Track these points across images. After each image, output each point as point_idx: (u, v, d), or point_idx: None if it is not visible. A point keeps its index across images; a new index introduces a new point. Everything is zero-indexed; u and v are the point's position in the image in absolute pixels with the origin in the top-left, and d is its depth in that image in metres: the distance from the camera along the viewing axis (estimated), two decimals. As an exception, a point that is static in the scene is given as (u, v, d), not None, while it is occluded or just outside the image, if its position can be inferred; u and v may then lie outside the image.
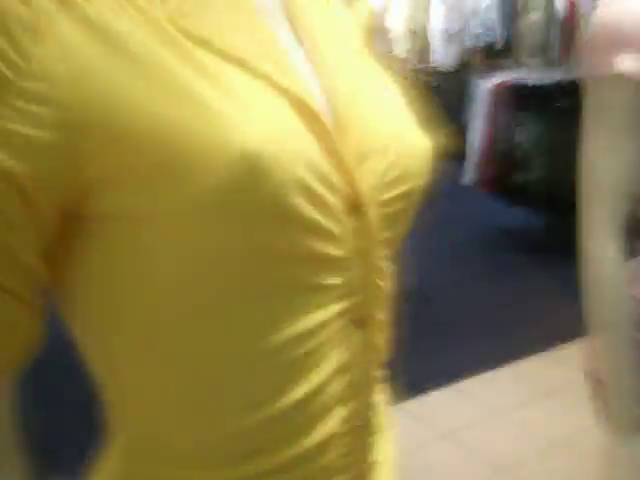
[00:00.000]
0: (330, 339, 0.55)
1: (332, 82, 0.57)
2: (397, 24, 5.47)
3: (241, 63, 0.49)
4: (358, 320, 0.56)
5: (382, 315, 0.60)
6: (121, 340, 0.54)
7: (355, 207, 0.54)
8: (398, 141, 0.58)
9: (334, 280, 0.54)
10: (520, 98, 4.36)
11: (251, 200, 0.46)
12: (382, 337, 0.62)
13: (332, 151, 0.52)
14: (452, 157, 2.91)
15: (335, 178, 0.52)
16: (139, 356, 0.54)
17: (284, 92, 0.50)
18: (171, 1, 0.49)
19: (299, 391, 0.54)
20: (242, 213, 0.47)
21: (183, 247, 0.49)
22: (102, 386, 0.57)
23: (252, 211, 0.47)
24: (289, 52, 0.55)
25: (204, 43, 0.48)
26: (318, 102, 0.53)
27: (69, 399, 2.32)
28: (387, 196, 0.56)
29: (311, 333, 0.53)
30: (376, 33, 9.70)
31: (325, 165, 0.51)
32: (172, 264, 0.50)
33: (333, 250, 0.53)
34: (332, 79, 0.57)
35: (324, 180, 0.51)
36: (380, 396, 0.64)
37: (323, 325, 0.54)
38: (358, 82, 0.59)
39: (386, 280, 0.60)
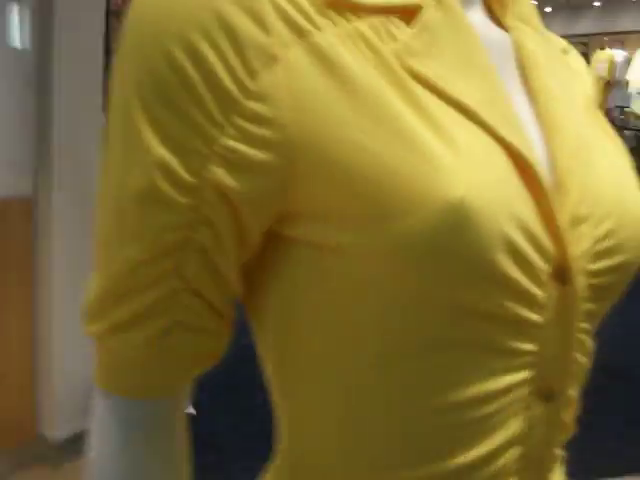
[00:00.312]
0: (510, 406, 0.51)
1: (558, 140, 0.54)
2: (637, 79, 5.17)
3: (463, 108, 0.48)
4: (545, 392, 0.52)
5: (573, 391, 0.56)
6: (293, 368, 0.54)
7: (562, 273, 0.50)
8: (619, 208, 0.54)
9: (527, 346, 0.50)
10: None
11: (451, 250, 0.44)
12: (569, 415, 0.57)
13: (546, 210, 0.49)
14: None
15: (545, 239, 0.49)
16: (307, 387, 0.53)
17: (502, 143, 0.48)
18: (400, 38, 0.48)
19: (468, 455, 0.51)
20: (440, 262, 0.45)
21: (371, 288, 0.47)
22: (274, 401, 0.57)
23: (450, 262, 0.45)
24: (515, 105, 0.53)
25: (428, 84, 0.47)
26: (537, 158, 0.50)
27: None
28: (598, 266, 0.52)
29: (492, 397, 0.50)
30: (614, 86, 9.29)
31: (536, 224, 0.48)
32: (358, 303, 0.48)
33: (531, 315, 0.50)
34: (558, 137, 0.54)
35: (533, 240, 0.48)
36: (557, 477, 0.59)
37: (506, 391, 0.51)
38: (585, 142, 0.56)
39: (583, 355, 0.55)
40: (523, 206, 0.47)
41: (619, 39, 10.15)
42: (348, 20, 0.47)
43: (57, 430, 2.76)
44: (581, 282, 0.51)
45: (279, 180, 0.46)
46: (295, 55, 0.45)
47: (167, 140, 0.46)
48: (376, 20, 0.48)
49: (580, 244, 0.51)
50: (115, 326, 0.50)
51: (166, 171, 0.46)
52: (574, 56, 0.69)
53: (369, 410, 0.51)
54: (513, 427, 0.52)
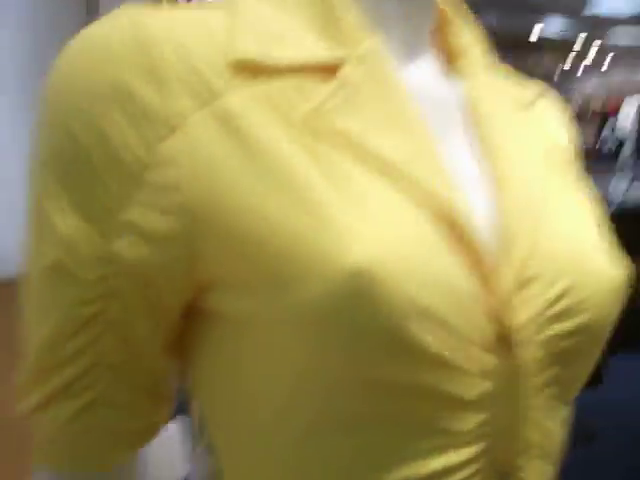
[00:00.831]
0: None
1: (506, 197, 0.50)
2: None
3: (382, 165, 0.45)
4: (500, 470, 0.48)
5: (543, 465, 0.51)
6: (223, 439, 0.51)
7: (504, 343, 0.46)
8: (576, 265, 0.50)
9: (466, 423, 0.46)
10: None
11: (354, 320, 0.41)
12: None
13: (481, 275, 0.45)
14: None
15: (480, 307, 0.45)
16: (236, 457, 0.50)
17: (426, 202, 0.45)
18: (316, 97, 0.46)
19: None
20: (344, 334, 0.41)
21: (283, 362, 0.44)
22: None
23: (356, 333, 0.41)
24: (454, 162, 0.50)
25: (343, 142, 0.45)
26: (476, 217, 0.47)
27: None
28: (553, 331, 0.48)
29: (431, 478, 0.46)
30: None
31: (467, 291, 0.44)
32: (273, 378, 0.45)
33: (464, 391, 0.45)
34: (507, 194, 0.50)
35: (461, 307, 0.44)
36: None
37: (446, 471, 0.46)
38: (538, 198, 0.52)
39: (547, 428, 0.50)
40: (451, 273, 0.44)
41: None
42: (259, 83, 0.46)
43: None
44: (531, 351, 0.47)
45: (185, 249, 0.45)
46: (197, 122, 0.44)
47: (71, 215, 0.45)
48: (291, 81, 0.46)
49: (528, 308, 0.47)
50: (39, 403, 0.49)
51: (71, 246, 0.45)
52: (549, 102, 0.66)
53: None
54: None
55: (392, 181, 0.45)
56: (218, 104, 0.44)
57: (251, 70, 0.46)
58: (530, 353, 0.47)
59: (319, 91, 0.47)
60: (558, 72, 12.88)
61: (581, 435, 3.52)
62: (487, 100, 0.56)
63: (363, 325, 0.41)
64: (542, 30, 9.47)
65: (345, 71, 0.48)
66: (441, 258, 0.44)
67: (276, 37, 0.48)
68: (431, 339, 0.42)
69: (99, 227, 0.45)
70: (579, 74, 13.36)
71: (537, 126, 0.59)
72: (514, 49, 10.59)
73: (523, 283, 0.47)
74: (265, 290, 0.43)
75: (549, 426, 0.51)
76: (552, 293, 0.48)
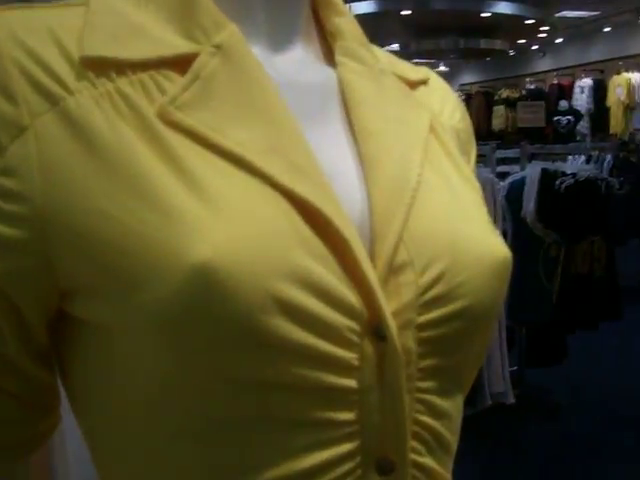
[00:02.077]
0: None
1: (376, 183, 0.49)
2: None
3: (235, 159, 0.44)
4: (381, 464, 0.46)
5: (428, 460, 0.49)
6: (100, 441, 0.50)
7: (375, 333, 0.45)
8: (452, 249, 0.49)
9: (343, 415, 0.45)
10: None
11: (206, 318, 0.40)
12: None
13: (348, 264, 0.44)
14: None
15: (346, 294, 0.44)
16: (114, 461, 0.50)
17: (284, 192, 0.44)
18: (170, 91, 0.45)
19: None
20: (198, 332, 0.40)
21: (139, 367, 0.43)
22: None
23: (209, 331, 0.40)
24: (324, 149, 0.49)
25: (194, 137, 0.44)
26: (345, 205, 0.46)
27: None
28: (427, 318, 0.47)
29: (308, 476, 0.45)
30: (635, 109, 9.42)
31: (332, 280, 0.43)
32: (136, 385, 0.44)
33: (339, 380, 0.44)
34: (378, 179, 0.49)
35: (326, 296, 0.43)
36: None
37: (326, 467, 0.45)
38: (411, 183, 0.50)
39: (430, 417, 0.49)
40: (314, 263, 0.43)
41: (635, 62, 10.31)
42: (110, 80, 0.45)
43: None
44: (405, 338, 0.46)
45: (38, 256, 0.43)
46: (45, 123, 0.43)
47: None
48: (146, 75, 0.45)
49: (399, 296, 0.46)
50: None
51: None
52: (434, 85, 0.64)
53: None
54: None
55: (246, 176, 0.44)
56: (65, 104, 0.43)
57: (101, 68, 0.45)
58: (402, 342, 0.46)
59: (175, 84, 0.46)
60: (511, 53, 13.01)
61: (545, 411, 3.58)
62: (361, 83, 0.55)
63: (213, 322, 0.40)
64: (493, 11, 9.55)
65: (199, 62, 0.47)
66: (299, 250, 0.42)
67: (131, 33, 0.47)
68: (294, 331, 0.42)
69: None
70: (531, 54, 13.50)
71: (417, 108, 0.58)
72: (466, 31, 10.67)
73: (394, 270, 0.46)
74: (118, 294, 0.42)
75: (433, 417, 0.49)
76: (425, 279, 0.47)
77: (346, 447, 0.45)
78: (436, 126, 0.58)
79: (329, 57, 0.58)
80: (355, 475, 0.46)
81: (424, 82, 0.63)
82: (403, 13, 9.66)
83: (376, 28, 9.74)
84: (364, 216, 0.48)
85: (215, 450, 0.44)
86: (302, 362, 0.43)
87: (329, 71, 0.57)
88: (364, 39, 0.59)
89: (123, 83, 0.45)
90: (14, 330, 0.46)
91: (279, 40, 0.55)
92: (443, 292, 0.48)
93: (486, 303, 0.50)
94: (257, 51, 0.52)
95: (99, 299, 0.43)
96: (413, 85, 0.61)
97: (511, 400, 3.15)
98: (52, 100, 0.43)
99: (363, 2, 9.10)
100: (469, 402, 3.14)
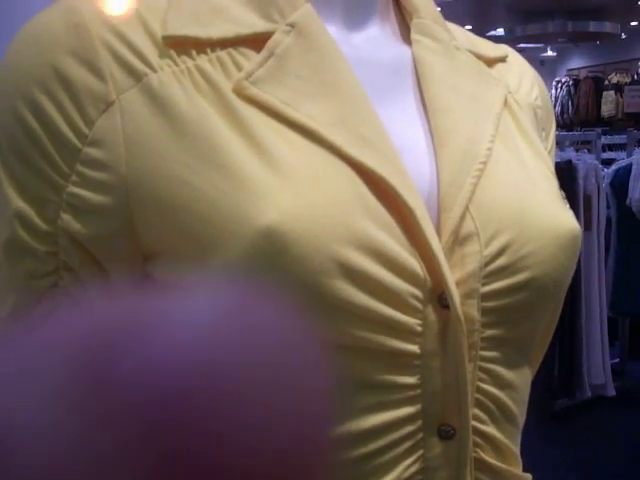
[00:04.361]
0: (398, 446, 0.47)
1: (445, 156, 0.51)
2: None
3: (305, 131, 0.46)
4: (441, 429, 0.48)
5: (489, 429, 0.50)
6: None
7: (439, 301, 0.47)
8: (519, 222, 0.49)
9: (405, 379, 0.47)
10: None
11: (274, 280, 0.42)
12: (496, 455, 0.51)
13: (414, 233, 0.46)
14: None
15: (411, 262, 0.45)
16: None
17: (354, 164, 0.46)
18: (246, 67, 0.48)
19: None
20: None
21: None
22: None
23: (283, 294, 0.42)
24: (397, 124, 0.51)
25: (268, 110, 0.47)
26: (414, 178, 0.48)
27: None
28: (493, 287, 0.48)
29: (369, 436, 0.46)
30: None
31: (396, 248, 0.45)
32: None
33: (402, 344, 0.46)
34: (446, 153, 0.51)
35: (392, 265, 0.45)
36: None
37: (386, 428, 0.47)
38: (480, 155, 0.51)
39: (492, 386, 0.50)
40: (375, 227, 0.44)
41: None
42: (190, 57, 0.48)
43: None
44: (468, 307, 0.47)
45: (123, 221, 0.47)
46: (130, 98, 0.46)
47: (23, 191, 0.48)
48: (224, 53, 0.48)
49: (464, 265, 0.47)
50: None
51: (24, 221, 0.48)
52: (513, 62, 0.65)
53: None
54: (406, 467, 0.48)
55: (315, 147, 0.46)
56: (147, 80, 0.47)
57: (183, 46, 0.48)
58: (465, 311, 0.47)
59: (250, 61, 0.48)
60: (623, 36, 12.46)
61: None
62: (435, 60, 0.56)
63: (280, 284, 0.42)
64: None
65: (274, 40, 0.49)
66: (363, 218, 0.44)
67: (210, 13, 0.49)
68: (357, 295, 0.43)
69: (48, 201, 0.47)
70: None
71: (492, 84, 0.58)
72: (574, 14, 10.28)
73: (460, 240, 0.48)
74: (195, 257, 0.44)
75: (497, 387, 0.50)
76: (490, 250, 0.48)
77: (407, 410, 0.47)
78: (511, 102, 0.58)
79: (405, 34, 0.59)
80: (416, 438, 0.47)
81: (502, 59, 0.63)
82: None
83: (480, 12, 9.55)
84: (432, 188, 0.50)
85: None
86: (365, 325, 0.44)
87: (404, 48, 0.58)
88: (439, 16, 0.60)
89: (202, 60, 0.48)
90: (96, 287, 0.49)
91: (354, 19, 0.57)
92: (508, 263, 0.48)
93: (552, 275, 0.50)
94: (332, 29, 0.53)
95: (179, 262, 0.46)
96: (490, 62, 0.62)
97: (611, 392, 3.08)
98: (136, 76, 0.47)
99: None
100: (568, 393, 3.09)
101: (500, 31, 11.31)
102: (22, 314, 0.50)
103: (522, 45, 10.34)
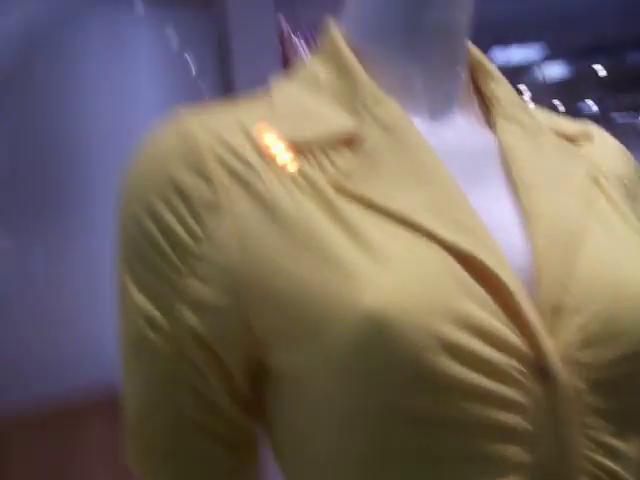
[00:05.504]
0: None
1: (538, 231, 0.52)
2: None
3: (402, 220, 0.49)
4: None
5: None
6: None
7: (539, 373, 0.47)
8: (615, 294, 0.50)
9: (509, 450, 0.47)
10: None
11: (378, 359, 0.45)
12: None
13: (511, 308, 0.48)
14: None
15: (511, 337, 0.47)
16: None
17: (450, 248, 0.48)
18: (340, 163, 0.51)
19: None
20: (372, 372, 0.45)
21: (324, 409, 0.49)
22: None
23: (383, 371, 0.45)
24: (487, 209, 0.53)
25: (364, 202, 0.50)
26: (508, 257, 0.50)
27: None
28: (595, 357, 0.49)
29: None
30: None
31: (495, 323, 0.47)
32: (317, 423, 0.50)
33: (506, 416, 0.47)
34: (539, 228, 0.52)
35: (492, 340, 0.46)
36: None
37: None
38: (573, 228, 0.53)
39: (607, 459, 0.49)
40: (473, 304, 0.46)
41: None
42: (291, 159, 0.52)
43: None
44: (572, 379, 0.48)
45: (239, 317, 0.50)
46: (237, 201, 0.50)
47: (145, 290, 0.52)
48: (319, 151, 0.52)
49: (562, 335, 0.48)
50: (137, 454, 0.57)
51: (148, 319, 0.52)
52: (597, 137, 0.66)
53: None
54: None
55: (410, 234, 0.48)
56: (253, 184, 0.51)
57: (280, 147, 0.52)
58: (567, 381, 0.47)
59: (344, 157, 0.52)
60: None
61: None
62: (520, 144, 0.58)
63: (386, 364, 0.44)
64: None
65: (364, 135, 0.53)
66: (461, 296, 0.46)
67: (306, 117, 0.54)
68: (460, 370, 0.45)
69: (168, 298, 0.52)
70: None
71: (577, 160, 0.60)
72: None
73: (556, 312, 0.48)
74: (306, 342, 0.48)
75: (608, 457, 0.50)
76: (589, 321, 0.49)
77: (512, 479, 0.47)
78: (597, 175, 0.60)
79: (488, 121, 0.62)
80: None
81: (584, 135, 0.65)
82: (600, 74, 9.38)
83: (571, 88, 9.55)
84: (525, 263, 0.51)
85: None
86: (469, 399, 0.46)
87: (489, 135, 0.60)
88: (520, 100, 0.63)
89: (302, 161, 0.52)
90: (222, 381, 0.53)
91: (438, 109, 0.59)
92: (608, 334, 0.49)
93: None
94: (417, 120, 0.56)
95: (291, 348, 0.49)
96: (573, 139, 0.63)
97: None
98: (241, 180, 0.51)
99: (556, 67, 8.96)
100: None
101: (590, 102, 11.15)
102: (150, 407, 0.54)
103: (614, 113, 10.18)
